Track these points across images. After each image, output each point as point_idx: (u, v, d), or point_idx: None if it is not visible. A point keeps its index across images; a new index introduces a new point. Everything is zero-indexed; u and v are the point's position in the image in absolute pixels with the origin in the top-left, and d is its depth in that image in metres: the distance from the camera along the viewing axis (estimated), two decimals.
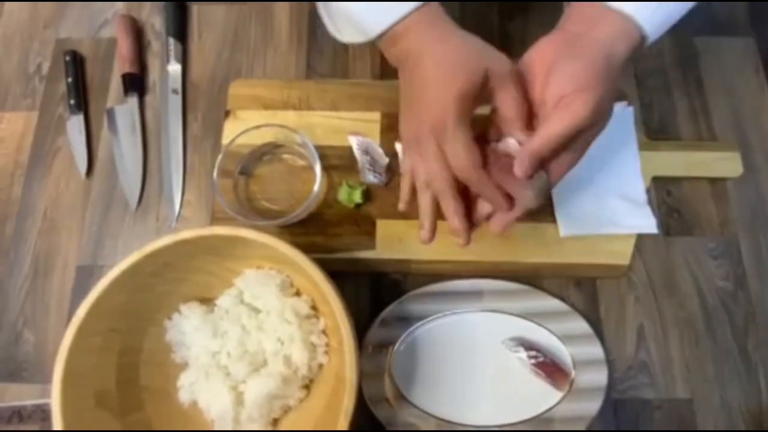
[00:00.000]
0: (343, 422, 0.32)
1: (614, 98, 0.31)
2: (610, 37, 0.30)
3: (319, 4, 0.36)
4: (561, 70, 0.30)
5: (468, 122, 0.30)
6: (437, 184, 0.31)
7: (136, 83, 0.50)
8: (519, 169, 0.30)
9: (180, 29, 0.52)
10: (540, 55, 0.32)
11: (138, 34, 0.52)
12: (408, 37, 0.32)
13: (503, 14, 0.52)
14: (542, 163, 0.31)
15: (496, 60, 0.31)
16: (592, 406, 0.39)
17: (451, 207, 0.32)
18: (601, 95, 0.29)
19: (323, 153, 0.44)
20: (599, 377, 0.40)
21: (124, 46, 0.51)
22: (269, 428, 0.39)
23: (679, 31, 0.51)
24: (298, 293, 0.41)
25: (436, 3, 0.32)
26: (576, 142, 0.31)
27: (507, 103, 0.31)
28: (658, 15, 0.31)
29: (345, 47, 0.52)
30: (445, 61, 0.30)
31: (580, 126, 0.29)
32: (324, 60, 0.51)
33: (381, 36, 0.32)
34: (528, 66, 0.32)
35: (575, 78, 0.29)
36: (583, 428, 0.39)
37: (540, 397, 0.40)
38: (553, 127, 0.29)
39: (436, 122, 0.29)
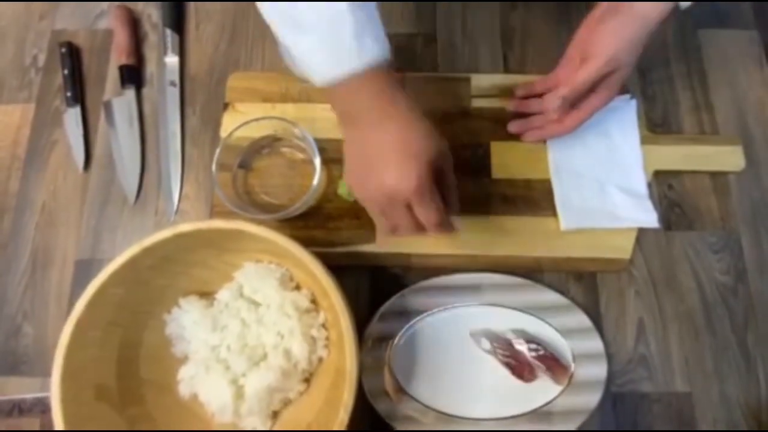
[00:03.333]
0: (343, 415, 0.32)
1: (639, 49, 0.37)
2: (645, 7, 0.36)
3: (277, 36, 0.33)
4: (601, 29, 0.37)
5: (434, 187, 0.33)
6: (412, 232, 0.35)
7: (133, 75, 0.50)
8: (550, 106, 0.40)
9: (177, 20, 0.52)
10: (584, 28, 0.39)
11: (134, 25, 0.52)
12: (360, 95, 0.31)
13: (504, 13, 0.52)
14: (573, 103, 0.40)
15: (445, 148, 0.35)
16: (591, 400, 0.40)
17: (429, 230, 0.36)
18: (617, 49, 0.36)
19: (323, 146, 0.43)
20: (598, 371, 0.40)
21: (121, 38, 0.50)
22: (269, 421, 0.39)
23: (682, 23, 0.51)
24: (297, 287, 0.41)
25: (386, 69, 0.31)
26: (602, 85, 0.38)
27: (448, 189, 0.36)
28: None
29: None
30: (413, 131, 0.32)
31: (596, 74, 0.37)
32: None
33: (331, 85, 0.31)
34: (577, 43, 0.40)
35: (607, 37, 0.36)
36: (582, 421, 0.39)
37: (539, 390, 0.40)
38: (577, 75, 0.38)
39: (412, 190, 0.32)
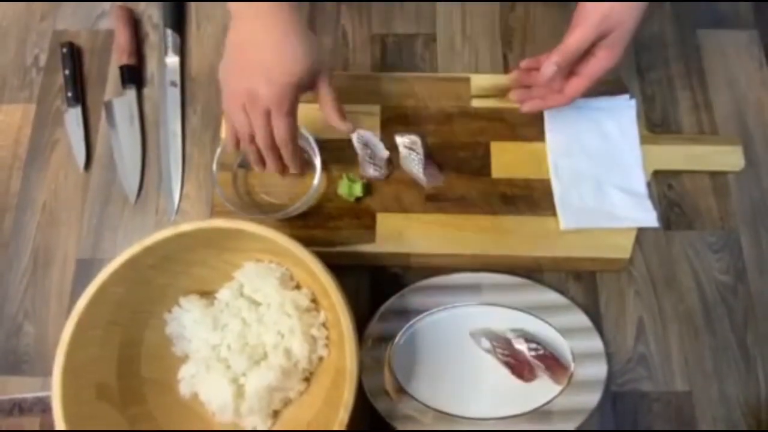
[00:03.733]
0: (343, 415, 0.32)
1: (638, 6, 0.35)
2: None
3: None
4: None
5: (296, 105, 0.36)
6: (262, 141, 0.36)
7: (134, 75, 0.50)
8: (545, 74, 0.37)
9: (178, 21, 0.52)
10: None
11: (135, 25, 0.52)
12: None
13: (504, 13, 0.52)
14: (568, 68, 0.37)
15: (324, 62, 0.36)
16: (591, 399, 0.40)
17: (273, 160, 0.38)
18: (609, 7, 0.34)
19: (323, 146, 0.43)
20: (598, 370, 0.40)
21: (122, 38, 0.50)
22: (269, 420, 0.39)
23: (682, 23, 0.51)
24: (298, 286, 0.41)
25: None
26: (602, 46, 0.36)
27: (325, 100, 0.37)
28: None
29: (345, 39, 0.52)
30: (288, 52, 0.33)
31: (588, 36, 0.35)
32: (324, 52, 0.51)
33: None
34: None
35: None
36: (581, 421, 0.39)
37: (539, 389, 0.40)
38: (567, 39, 0.36)
39: (275, 101, 0.34)
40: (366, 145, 0.45)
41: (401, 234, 0.44)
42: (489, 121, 0.47)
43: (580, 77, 0.38)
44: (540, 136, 0.46)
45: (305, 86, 0.35)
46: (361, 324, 0.41)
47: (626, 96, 0.47)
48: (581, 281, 0.44)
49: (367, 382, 0.39)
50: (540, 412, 0.39)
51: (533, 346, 0.40)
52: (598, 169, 0.45)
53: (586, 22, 0.35)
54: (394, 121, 0.47)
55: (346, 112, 0.38)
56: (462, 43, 0.51)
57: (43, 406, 0.42)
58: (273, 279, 0.39)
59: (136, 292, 0.38)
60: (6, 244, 0.46)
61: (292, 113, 0.35)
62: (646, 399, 0.41)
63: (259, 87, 0.34)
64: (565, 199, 0.44)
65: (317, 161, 0.42)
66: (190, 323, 0.39)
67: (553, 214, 0.44)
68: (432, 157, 0.45)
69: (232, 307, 0.40)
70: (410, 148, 0.44)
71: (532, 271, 0.43)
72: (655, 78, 0.49)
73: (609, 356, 0.41)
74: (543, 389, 0.40)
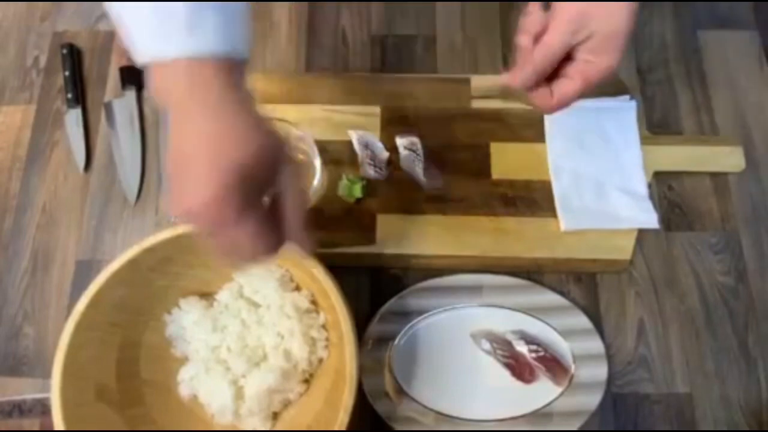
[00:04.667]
0: (343, 416, 0.32)
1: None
2: None
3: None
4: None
5: (254, 205, 0.26)
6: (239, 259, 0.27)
7: (134, 76, 0.50)
8: (517, 79, 0.32)
9: None
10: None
11: None
12: (183, 79, 0.24)
13: (504, 14, 0.52)
14: (544, 75, 0.32)
15: (283, 154, 0.26)
16: (591, 401, 0.39)
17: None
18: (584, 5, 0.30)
19: (323, 147, 0.43)
20: (599, 372, 0.40)
21: (122, 39, 0.50)
22: (269, 422, 0.39)
23: (682, 24, 0.51)
24: (297, 288, 0.41)
25: (225, 62, 0.25)
26: (585, 49, 0.31)
27: (287, 202, 0.27)
28: None
29: (345, 41, 0.52)
30: (227, 126, 0.24)
31: (564, 40, 0.30)
32: (324, 54, 0.51)
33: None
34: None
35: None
36: (582, 422, 0.39)
37: (539, 391, 0.40)
38: (535, 50, 0.31)
39: (205, 207, 0.24)
40: (366, 146, 0.45)
41: (401, 235, 0.43)
42: (489, 122, 0.47)
43: (571, 80, 0.32)
44: (540, 137, 0.46)
45: (265, 176, 0.25)
46: (361, 325, 0.41)
47: (626, 97, 0.47)
48: (582, 282, 0.44)
49: (367, 384, 0.39)
50: (540, 414, 0.39)
51: (534, 347, 0.40)
52: (599, 170, 0.45)
53: (555, 23, 0.30)
54: (394, 122, 0.47)
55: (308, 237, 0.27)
56: (462, 43, 0.51)
57: (42, 408, 0.42)
58: (273, 280, 0.39)
59: (136, 293, 0.38)
60: (6, 245, 0.46)
61: (245, 219, 0.25)
62: (646, 400, 0.41)
63: (188, 200, 0.24)
64: (565, 200, 0.44)
65: (317, 162, 0.42)
66: (189, 325, 0.39)
67: (554, 215, 0.43)
68: (432, 158, 0.45)
69: (231, 309, 0.40)
70: (410, 149, 0.44)
71: (532, 272, 0.43)
72: (655, 79, 0.49)
73: (609, 358, 0.41)
74: (543, 391, 0.40)
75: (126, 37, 0.26)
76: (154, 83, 0.26)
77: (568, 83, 0.33)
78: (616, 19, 0.30)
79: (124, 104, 0.49)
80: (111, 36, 0.52)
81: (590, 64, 0.32)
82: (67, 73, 0.50)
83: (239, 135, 0.25)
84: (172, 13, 0.24)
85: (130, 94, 0.49)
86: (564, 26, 0.30)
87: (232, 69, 0.25)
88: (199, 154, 0.24)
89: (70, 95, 0.49)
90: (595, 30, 0.31)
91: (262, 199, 0.26)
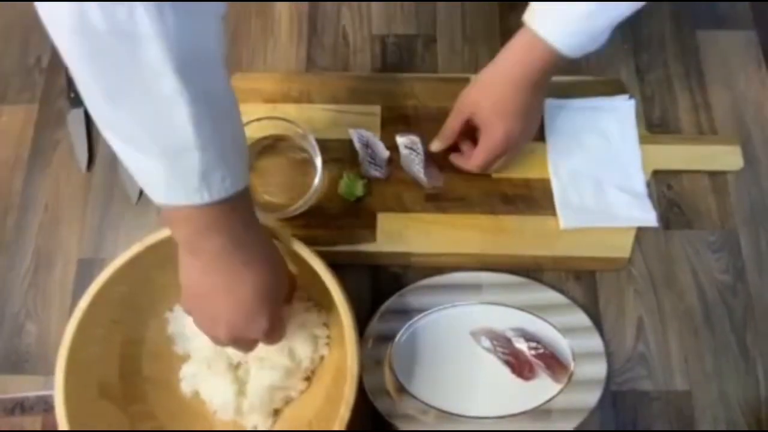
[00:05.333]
0: (344, 412, 0.32)
1: (536, 118, 0.41)
2: (522, 61, 0.36)
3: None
4: (483, 97, 0.39)
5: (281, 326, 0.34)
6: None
7: None
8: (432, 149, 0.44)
9: None
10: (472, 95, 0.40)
11: None
12: (202, 226, 0.28)
13: (504, 13, 0.52)
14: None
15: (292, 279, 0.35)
16: (590, 398, 0.40)
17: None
18: (512, 126, 0.38)
19: (324, 146, 0.44)
20: (598, 369, 0.40)
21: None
22: (270, 419, 0.39)
23: (681, 23, 0.51)
24: (299, 285, 0.41)
25: (237, 202, 0.28)
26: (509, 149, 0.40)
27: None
28: (571, 32, 0.33)
29: (346, 40, 0.52)
30: (266, 276, 0.31)
31: (497, 153, 0.40)
32: (325, 53, 0.51)
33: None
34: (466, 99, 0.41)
35: (494, 107, 0.38)
36: (581, 420, 0.39)
37: (539, 388, 0.40)
38: (477, 158, 0.41)
39: (264, 335, 0.32)
40: (366, 145, 0.45)
41: (402, 233, 0.44)
42: None
43: (477, 149, 0.41)
44: (540, 135, 0.46)
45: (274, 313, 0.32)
46: (361, 323, 0.41)
47: (625, 96, 0.47)
48: (581, 280, 0.44)
49: (367, 382, 0.40)
50: (540, 411, 0.40)
51: (533, 345, 0.40)
52: (598, 169, 0.45)
53: (455, 107, 0.41)
54: (394, 122, 0.47)
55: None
56: (462, 43, 0.51)
57: (45, 405, 0.42)
58: None
59: (138, 291, 0.38)
60: (8, 244, 0.46)
61: (282, 329, 0.34)
62: (645, 398, 0.41)
63: (242, 330, 0.31)
64: (564, 198, 0.44)
65: (318, 161, 0.43)
66: (191, 322, 0.39)
67: (553, 213, 0.44)
68: (432, 157, 0.45)
69: None
70: (410, 148, 0.44)
71: (531, 270, 0.44)
72: (654, 78, 0.50)
73: (609, 355, 0.41)
74: (543, 388, 0.40)
75: (138, 181, 0.28)
76: (171, 223, 0.29)
77: (475, 152, 0.41)
78: (486, 99, 0.39)
79: None
80: None
81: (482, 137, 0.40)
82: (69, 73, 0.50)
83: (276, 282, 0.31)
84: (186, 171, 0.26)
85: None
86: (457, 111, 0.42)
87: (239, 204, 0.29)
88: (245, 299, 0.30)
89: (72, 94, 0.49)
90: (475, 110, 0.40)
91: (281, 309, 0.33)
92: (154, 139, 0.25)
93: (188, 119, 0.24)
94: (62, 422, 0.33)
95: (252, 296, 0.30)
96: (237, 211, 0.28)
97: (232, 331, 0.31)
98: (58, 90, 0.51)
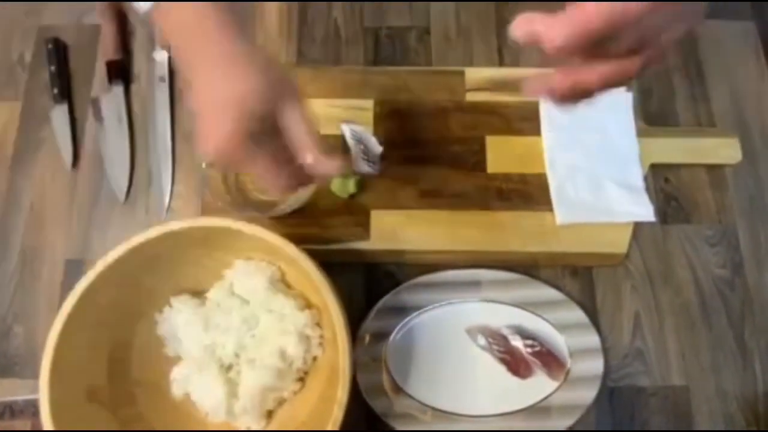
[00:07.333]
0: (337, 413, 0.32)
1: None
2: None
3: None
4: None
5: (263, 139, 0.29)
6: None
7: (121, 71, 0.49)
8: (531, 92, 0.26)
9: None
10: None
11: (122, 20, 0.51)
12: (186, 26, 0.27)
13: (499, 6, 0.51)
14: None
15: (284, 85, 0.29)
16: (587, 395, 0.39)
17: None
18: None
19: None
20: (595, 366, 0.40)
21: (108, 33, 0.49)
22: (263, 420, 0.38)
23: None
24: (290, 285, 0.41)
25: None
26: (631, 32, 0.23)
27: (295, 128, 0.29)
28: None
29: (337, 34, 0.51)
30: (231, 74, 0.27)
31: (591, 25, 0.22)
32: (315, 46, 0.50)
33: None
34: None
35: None
36: (578, 417, 0.39)
37: (536, 386, 0.40)
38: (554, 29, 0.23)
39: (223, 151, 0.28)
40: (359, 140, 0.44)
41: (396, 231, 0.43)
42: (484, 115, 0.46)
43: (608, 64, 0.25)
44: (536, 130, 0.45)
45: (274, 109, 0.28)
46: (356, 322, 0.40)
47: (623, 89, 0.46)
48: (577, 276, 0.43)
49: (363, 381, 0.39)
50: (537, 409, 0.39)
51: (529, 342, 0.40)
52: (595, 163, 0.44)
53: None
54: (388, 117, 0.46)
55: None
56: (456, 36, 0.50)
57: (34, 409, 0.41)
58: (264, 278, 0.39)
59: (126, 292, 0.37)
60: None
61: (263, 152, 0.29)
62: (642, 394, 0.41)
63: (210, 146, 0.28)
64: (561, 193, 0.43)
65: None
66: (181, 323, 0.39)
67: (550, 209, 0.43)
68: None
69: (224, 307, 0.39)
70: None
71: (528, 266, 0.43)
72: (651, 70, 0.49)
73: (605, 351, 0.41)
74: (539, 385, 0.40)
75: None
76: (161, 27, 0.28)
77: (604, 67, 0.25)
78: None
79: (112, 100, 0.48)
80: (97, 30, 0.51)
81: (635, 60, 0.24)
82: (52, 69, 0.48)
83: (237, 74, 0.27)
84: None
85: (118, 90, 0.48)
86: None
87: (230, 8, 0.27)
88: (212, 103, 0.27)
89: (56, 91, 0.48)
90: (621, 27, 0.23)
91: (272, 133, 0.29)
92: None
93: None
94: (48, 426, 0.32)
95: (216, 103, 0.27)
96: (216, 10, 0.27)
97: (206, 144, 0.28)
98: (41, 86, 0.49)
